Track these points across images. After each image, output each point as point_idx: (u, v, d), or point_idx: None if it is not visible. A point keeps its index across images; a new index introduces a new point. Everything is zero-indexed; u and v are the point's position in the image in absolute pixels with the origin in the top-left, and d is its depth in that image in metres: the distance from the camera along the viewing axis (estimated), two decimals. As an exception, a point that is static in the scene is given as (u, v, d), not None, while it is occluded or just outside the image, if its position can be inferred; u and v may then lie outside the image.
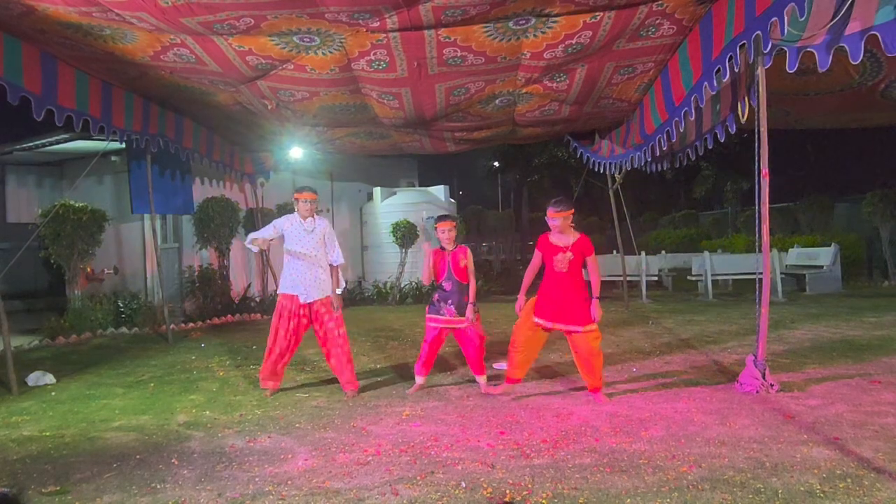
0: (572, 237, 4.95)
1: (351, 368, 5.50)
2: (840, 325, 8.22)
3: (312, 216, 5.56)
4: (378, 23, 5.33)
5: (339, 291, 5.64)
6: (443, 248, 5.39)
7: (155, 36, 5.52)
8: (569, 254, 4.90)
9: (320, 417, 4.73)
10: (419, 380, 5.47)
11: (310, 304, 5.45)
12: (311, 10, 5.00)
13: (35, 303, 11.86)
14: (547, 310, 4.98)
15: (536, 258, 5.14)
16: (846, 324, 8.34)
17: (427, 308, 5.46)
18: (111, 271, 11.04)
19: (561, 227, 4.92)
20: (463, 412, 4.74)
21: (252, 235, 5.51)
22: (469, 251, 5.44)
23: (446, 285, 5.30)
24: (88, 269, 9.89)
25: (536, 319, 5.02)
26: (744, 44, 4.63)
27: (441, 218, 5.49)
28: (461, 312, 5.22)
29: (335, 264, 5.64)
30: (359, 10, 5.06)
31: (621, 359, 6.62)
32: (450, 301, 5.26)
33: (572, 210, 4.96)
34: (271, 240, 5.52)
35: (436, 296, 5.37)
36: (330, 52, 5.98)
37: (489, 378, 5.46)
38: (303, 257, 5.44)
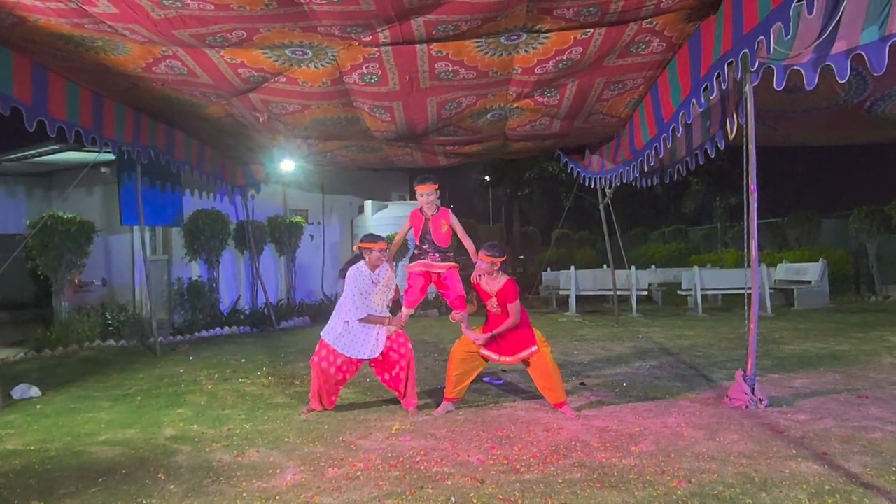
0: (499, 283, 5.04)
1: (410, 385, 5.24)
2: (828, 340, 8.27)
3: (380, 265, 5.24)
4: (370, 37, 5.36)
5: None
6: (422, 212, 5.23)
7: (147, 48, 5.52)
8: (494, 299, 5.04)
9: (309, 432, 4.69)
10: (407, 311, 5.26)
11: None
12: (304, 24, 5.02)
13: (21, 314, 11.75)
14: (492, 344, 5.11)
15: (475, 297, 5.24)
16: (834, 339, 8.39)
17: (409, 263, 5.32)
18: (99, 283, 10.97)
19: (488, 270, 5.00)
20: (453, 427, 4.72)
21: (362, 316, 5.12)
22: (451, 213, 5.24)
23: (425, 247, 5.17)
24: (76, 279, 9.80)
25: (484, 352, 5.13)
26: (732, 61, 4.69)
27: (422, 180, 5.21)
28: (444, 261, 5.16)
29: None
30: (351, 25, 5.09)
31: (611, 373, 6.62)
32: (429, 254, 5.16)
33: (504, 258, 5.03)
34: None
35: (416, 251, 5.24)
36: (322, 66, 6.00)
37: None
38: (366, 316, 5.14)
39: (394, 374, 5.24)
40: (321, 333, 5.27)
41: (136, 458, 4.15)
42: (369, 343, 5.17)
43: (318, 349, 5.24)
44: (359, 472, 3.77)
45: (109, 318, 9.48)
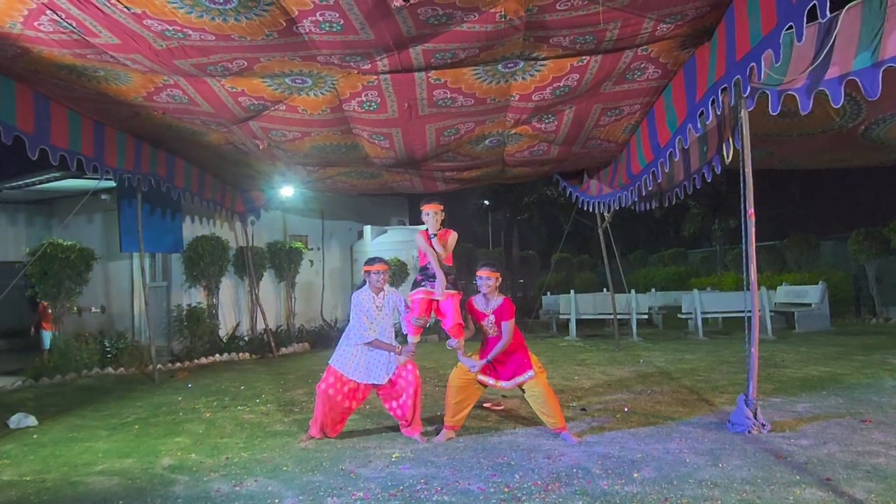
0: (495, 302, 5.07)
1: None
2: (829, 363, 8.22)
3: (384, 290, 5.28)
4: (369, 65, 5.43)
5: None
6: (428, 233, 5.32)
7: (148, 77, 5.59)
8: (492, 317, 5.05)
9: (308, 460, 4.65)
10: (413, 339, 5.24)
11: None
12: (304, 53, 5.09)
13: (19, 342, 11.70)
14: (489, 370, 5.11)
15: (470, 322, 5.22)
16: (835, 362, 8.35)
17: (411, 290, 5.35)
18: (98, 309, 10.96)
19: (490, 287, 5.02)
20: (453, 454, 4.68)
21: (369, 340, 5.11)
22: (454, 233, 5.38)
23: (428, 271, 5.25)
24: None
25: (481, 377, 5.12)
26: (726, 87, 4.74)
27: (427, 200, 5.37)
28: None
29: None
30: (350, 54, 5.16)
31: (612, 398, 6.57)
32: (429, 281, 5.21)
33: (499, 273, 5.09)
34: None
35: (419, 276, 5.30)
36: (322, 94, 6.06)
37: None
38: (373, 340, 5.12)
39: (402, 401, 5.21)
40: (329, 361, 5.24)
41: (133, 489, 4.11)
42: (380, 368, 5.16)
43: (325, 376, 5.20)
44: (358, 502, 3.73)
45: (108, 345, 9.44)
